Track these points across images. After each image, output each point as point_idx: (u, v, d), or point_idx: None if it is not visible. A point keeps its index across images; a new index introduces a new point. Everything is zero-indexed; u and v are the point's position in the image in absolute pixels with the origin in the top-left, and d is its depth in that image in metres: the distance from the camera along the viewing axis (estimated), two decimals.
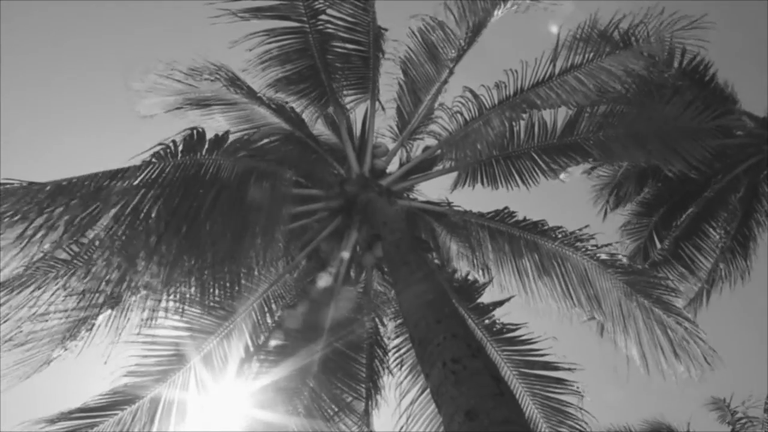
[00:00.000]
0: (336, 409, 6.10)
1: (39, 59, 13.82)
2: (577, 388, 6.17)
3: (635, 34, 6.27)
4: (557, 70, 6.43)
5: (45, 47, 14.13)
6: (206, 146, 4.48)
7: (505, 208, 6.85)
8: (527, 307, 6.96)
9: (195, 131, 4.40)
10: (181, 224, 4.10)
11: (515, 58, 6.59)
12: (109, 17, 14.04)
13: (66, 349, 5.09)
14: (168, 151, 4.21)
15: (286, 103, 6.58)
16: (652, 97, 6.62)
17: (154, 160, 4.03)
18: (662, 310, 6.35)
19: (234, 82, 5.96)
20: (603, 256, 6.54)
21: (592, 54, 6.40)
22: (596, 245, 6.57)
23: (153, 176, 4.00)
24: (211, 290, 4.85)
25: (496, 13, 6.52)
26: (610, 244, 6.70)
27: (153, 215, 3.91)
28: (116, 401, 5.51)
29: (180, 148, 4.28)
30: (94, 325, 4.94)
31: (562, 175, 7.00)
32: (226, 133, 4.83)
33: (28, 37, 13.70)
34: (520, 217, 6.83)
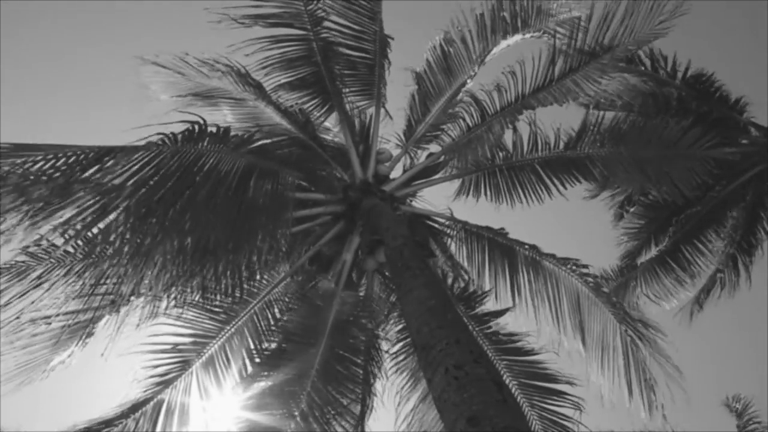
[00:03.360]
0: (332, 413, 6.07)
1: (45, 58, 13.91)
2: (577, 402, 6.12)
3: (626, 27, 6.31)
4: (556, 75, 6.48)
5: (46, 47, 14.22)
6: (207, 139, 4.32)
7: (501, 228, 6.88)
8: (525, 318, 6.98)
9: (196, 125, 4.20)
10: (178, 220, 4.04)
11: (514, 51, 6.65)
12: (109, 21, 14.13)
13: (69, 355, 5.07)
14: (168, 139, 4.01)
15: (293, 105, 6.58)
16: (655, 116, 6.68)
17: (152, 147, 3.87)
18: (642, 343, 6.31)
19: (245, 79, 5.95)
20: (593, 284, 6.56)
21: (588, 56, 6.44)
22: (589, 274, 6.59)
23: (148, 161, 3.79)
24: (213, 293, 4.82)
25: (507, 41, 6.56)
26: (600, 277, 6.71)
27: (150, 206, 3.81)
28: (119, 408, 5.49)
29: (180, 138, 4.12)
30: (95, 328, 4.92)
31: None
32: (228, 128, 4.73)
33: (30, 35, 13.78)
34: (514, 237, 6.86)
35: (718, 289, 9.46)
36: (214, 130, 4.36)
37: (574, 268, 6.58)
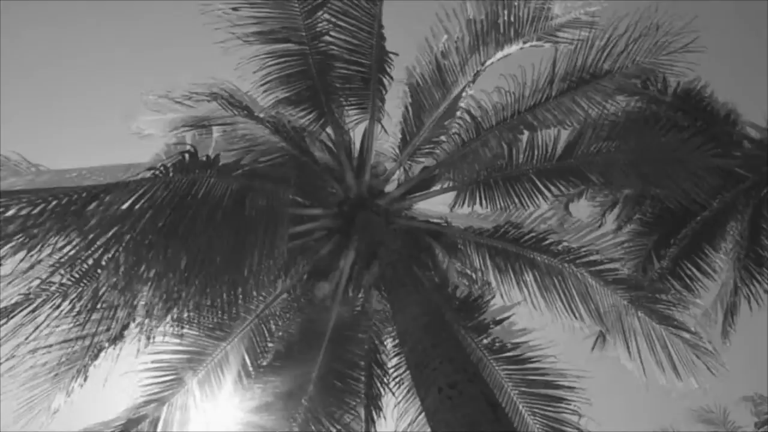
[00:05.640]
0: (332, 430, 6.07)
1: (40, 71, 13.99)
2: (577, 407, 6.16)
3: (631, 52, 6.31)
4: (554, 92, 6.49)
5: (52, 56, 14.30)
6: (198, 167, 4.42)
7: (507, 222, 6.87)
8: (530, 319, 7.00)
9: (187, 154, 4.31)
10: (175, 243, 4.07)
11: (514, 65, 6.67)
12: (106, 28, 14.22)
13: (69, 394, 5.08)
14: (160, 173, 4.12)
15: (288, 122, 6.62)
16: (652, 126, 6.70)
17: (143, 180, 3.94)
18: (663, 324, 6.40)
19: (233, 102, 6.01)
20: (603, 272, 6.59)
21: (589, 74, 6.45)
22: (597, 261, 6.62)
23: (141, 194, 3.85)
24: (208, 312, 4.83)
25: (508, 48, 6.59)
26: (612, 261, 6.75)
27: (147, 237, 3.86)
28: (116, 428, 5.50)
29: (171, 171, 4.21)
30: (94, 361, 4.93)
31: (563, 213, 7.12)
32: (218, 156, 4.80)
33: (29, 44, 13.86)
34: (526, 229, 6.84)
35: (744, 303, 9.42)
36: (204, 158, 4.42)
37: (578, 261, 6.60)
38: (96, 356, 4.96)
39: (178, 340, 5.73)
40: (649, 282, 8.17)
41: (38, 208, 3.28)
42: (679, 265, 9.01)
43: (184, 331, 5.67)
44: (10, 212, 3.17)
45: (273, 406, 6.03)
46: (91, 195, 3.45)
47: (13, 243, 3.19)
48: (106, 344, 4.77)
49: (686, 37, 6.14)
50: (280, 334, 6.47)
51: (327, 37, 6.30)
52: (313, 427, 6.04)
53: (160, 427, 5.66)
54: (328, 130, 6.87)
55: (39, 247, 3.29)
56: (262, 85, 6.38)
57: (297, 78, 6.52)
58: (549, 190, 6.94)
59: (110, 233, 3.54)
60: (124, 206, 3.62)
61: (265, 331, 6.38)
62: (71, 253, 3.40)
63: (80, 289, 3.91)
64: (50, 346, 4.56)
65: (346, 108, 6.86)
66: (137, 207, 3.72)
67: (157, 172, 3.94)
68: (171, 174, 4.06)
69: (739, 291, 9.35)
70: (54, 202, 3.35)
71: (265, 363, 6.32)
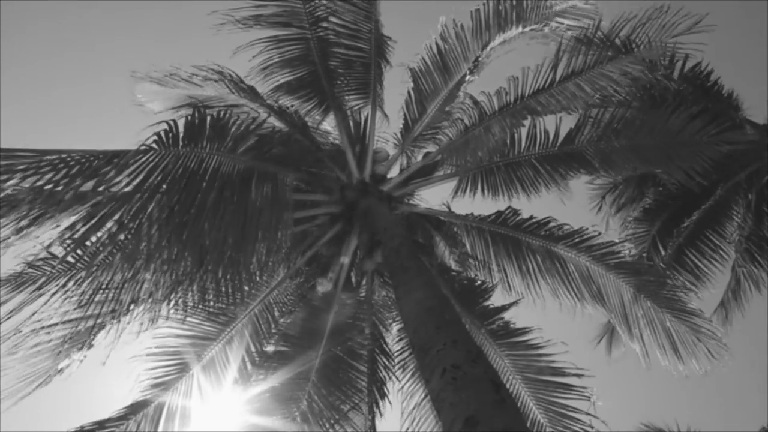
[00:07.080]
0: (333, 418, 6.09)
1: (43, 60, 13.94)
2: (587, 393, 6.18)
3: (636, 39, 6.21)
4: (558, 77, 6.43)
5: (51, 49, 14.24)
6: (207, 132, 4.27)
7: (508, 208, 6.86)
8: (533, 309, 7.01)
9: (197, 114, 4.23)
10: (181, 224, 4.06)
11: (517, 58, 6.63)
12: (109, 22, 14.16)
13: (68, 359, 5.08)
14: (170, 135, 3.96)
15: (290, 106, 6.60)
16: (656, 108, 6.63)
17: (154, 146, 3.83)
18: (667, 306, 6.42)
19: (238, 84, 5.99)
20: (605, 256, 6.59)
21: (593, 59, 6.39)
22: (599, 244, 6.63)
23: (152, 165, 3.77)
24: (213, 296, 4.84)
25: (503, 35, 6.52)
26: (615, 243, 6.75)
27: (154, 214, 3.82)
28: (121, 412, 5.52)
29: (182, 134, 4.05)
30: (95, 338, 4.94)
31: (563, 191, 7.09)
32: (227, 112, 4.69)
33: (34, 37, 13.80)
34: (525, 215, 6.83)
35: (746, 288, 9.40)
36: (214, 114, 4.36)
37: (581, 246, 6.61)
38: (98, 331, 4.95)
39: (182, 326, 5.75)
40: (652, 267, 8.16)
41: (46, 169, 3.25)
42: (684, 252, 9.00)
43: (189, 316, 5.69)
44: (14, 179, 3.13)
45: (276, 394, 6.07)
46: (104, 160, 3.41)
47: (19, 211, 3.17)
48: (109, 322, 4.78)
49: (693, 18, 6.02)
50: (284, 321, 6.49)
51: (326, 23, 6.29)
52: (315, 416, 6.07)
53: (165, 412, 5.69)
54: (330, 115, 6.86)
55: (42, 218, 3.26)
56: (263, 69, 6.38)
57: (299, 63, 6.52)
58: (551, 176, 6.92)
59: (116, 205, 3.51)
60: (133, 181, 3.58)
61: (269, 318, 6.39)
62: (75, 223, 3.37)
63: (84, 268, 3.89)
64: (51, 326, 4.56)
65: (348, 94, 6.85)
66: (149, 180, 3.68)
67: (166, 136, 3.84)
68: (181, 141, 3.97)
69: (742, 276, 9.34)
70: (67, 164, 3.32)
71: (269, 349, 6.34)
